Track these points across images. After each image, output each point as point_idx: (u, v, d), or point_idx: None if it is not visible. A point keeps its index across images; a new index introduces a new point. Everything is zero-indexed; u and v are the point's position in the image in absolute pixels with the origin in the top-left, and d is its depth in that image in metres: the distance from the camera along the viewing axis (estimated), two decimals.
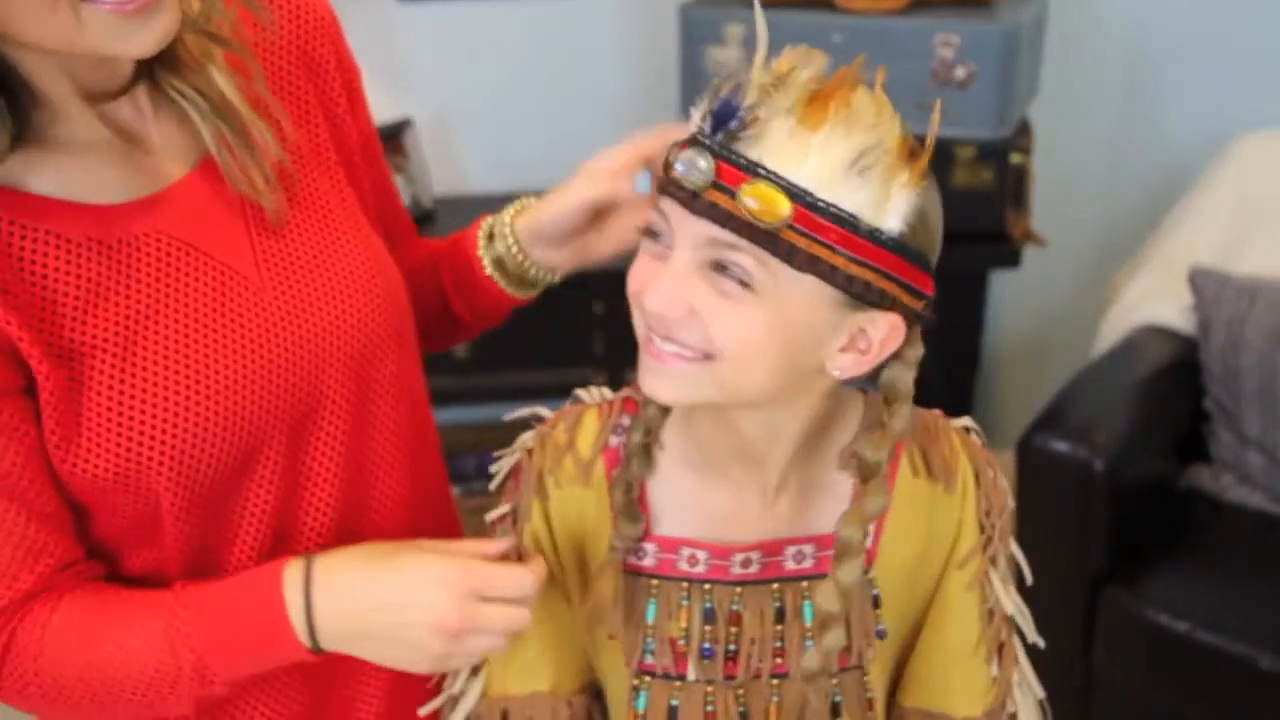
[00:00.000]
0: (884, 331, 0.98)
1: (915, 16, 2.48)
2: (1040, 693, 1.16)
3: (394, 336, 1.19)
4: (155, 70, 1.07)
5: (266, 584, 1.03)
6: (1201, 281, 2.46)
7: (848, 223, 0.92)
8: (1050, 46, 2.72)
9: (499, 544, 1.09)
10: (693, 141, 0.94)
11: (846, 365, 1.00)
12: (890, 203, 0.93)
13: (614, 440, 1.11)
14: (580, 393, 1.17)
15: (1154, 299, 2.56)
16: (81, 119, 1.04)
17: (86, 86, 1.03)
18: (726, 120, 0.92)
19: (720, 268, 0.94)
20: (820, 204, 0.91)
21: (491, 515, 1.14)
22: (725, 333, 0.95)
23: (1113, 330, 2.59)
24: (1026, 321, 3.11)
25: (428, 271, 1.35)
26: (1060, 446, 2.23)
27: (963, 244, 2.51)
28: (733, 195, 0.91)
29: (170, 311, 1.05)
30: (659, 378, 0.99)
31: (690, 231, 0.94)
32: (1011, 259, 2.63)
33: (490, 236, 1.30)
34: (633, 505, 1.09)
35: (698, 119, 0.95)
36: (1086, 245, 3.03)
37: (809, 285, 0.93)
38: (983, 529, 1.11)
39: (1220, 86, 2.91)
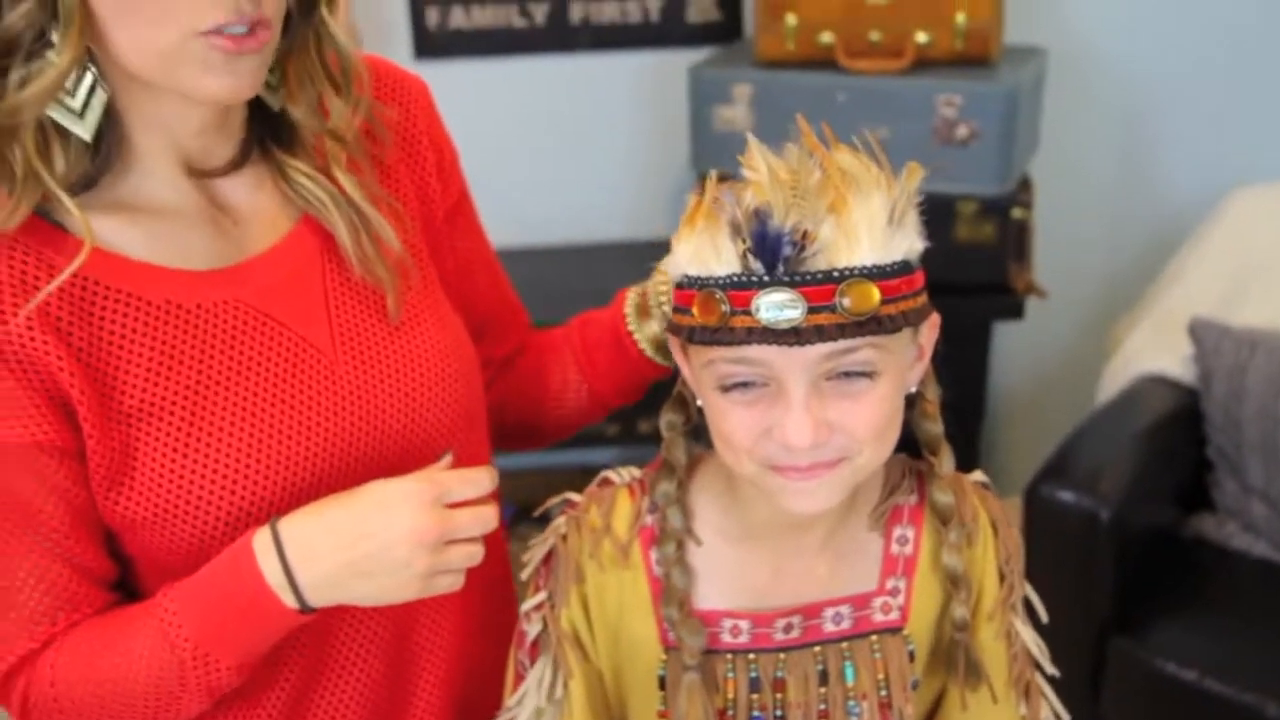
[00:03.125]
0: (930, 333, 1.02)
1: (918, 77, 2.47)
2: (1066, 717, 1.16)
3: (463, 416, 1.17)
4: (274, 154, 1.08)
5: (240, 559, 1.00)
6: (1202, 332, 2.42)
7: (909, 265, 0.95)
8: (1049, 103, 2.71)
9: (446, 459, 1.07)
10: (754, 286, 0.91)
11: (914, 378, 1.03)
12: (914, 226, 0.96)
13: (648, 519, 1.09)
14: (609, 474, 1.14)
15: (1155, 349, 2.52)
16: (175, 183, 1.05)
17: (192, 156, 1.05)
18: (779, 250, 0.90)
19: (840, 375, 0.93)
20: (890, 269, 0.92)
21: (527, 605, 1.11)
22: (865, 428, 0.95)
23: (1114, 380, 2.55)
24: (1030, 371, 3.09)
25: (561, 363, 1.32)
26: (1066, 496, 2.19)
27: (967, 296, 2.53)
28: (831, 309, 0.90)
29: (240, 379, 1.05)
30: (810, 496, 0.98)
31: (799, 363, 0.92)
32: (1014, 311, 2.61)
33: (638, 312, 1.26)
34: (690, 619, 1.06)
35: (736, 264, 0.92)
36: (1087, 296, 3.01)
37: (905, 335, 0.96)
38: (1003, 577, 1.11)
39: (1216, 141, 2.90)
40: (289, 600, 0.99)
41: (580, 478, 3.31)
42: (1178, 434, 2.41)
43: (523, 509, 2.88)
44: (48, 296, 0.97)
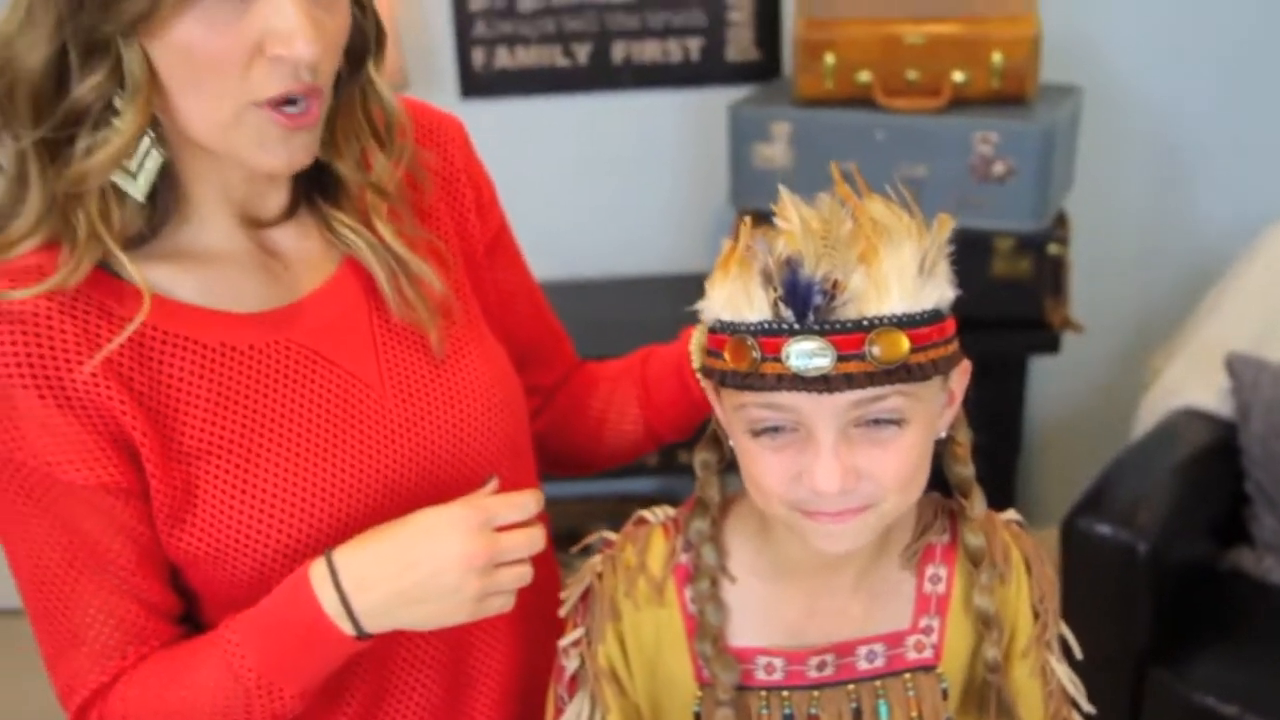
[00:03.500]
0: (961, 378, 1.01)
1: (955, 115, 2.46)
2: None
3: (508, 445, 1.18)
4: (320, 205, 1.11)
5: (298, 590, 1.01)
6: (1239, 367, 2.40)
7: (939, 314, 0.94)
8: (1085, 140, 2.69)
9: (492, 484, 1.09)
10: (785, 333, 0.91)
11: (945, 423, 1.02)
12: (945, 276, 0.96)
13: (683, 558, 1.09)
14: (644, 513, 1.14)
15: (1191, 383, 2.50)
16: (228, 232, 1.07)
17: (246, 207, 1.08)
18: (809, 300, 0.90)
19: (869, 422, 0.93)
20: (920, 317, 0.92)
21: (564, 641, 1.12)
22: (893, 475, 0.95)
23: (1151, 413, 2.52)
24: (1065, 404, 3.07)
25: (620, 394, 1.33)
26: (1104, 529, 2.17)
27: (1003, 331, 2.51)
28: (860, 358, 0.90)
29: (293, 415, 1.06)
30: (839, 538, 0.98)
31: (828, 410, 0.92)
32: (1051, 345, 2.59)
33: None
34: (724, 655, 1.06)
35: (768, 312, 0.92)
36: (1123, 331, 2.99)
37: (935, 383, 0.96)
38: (1037, 615, 1.10)
39: (1250, 177, 2.88)
40: (346, 628, 1.00)
41: (620, 506, 3.32)
42: (1215, 468, 2.38)
43: (564, 537, 2.89)
44: (109, 341, 0.98)
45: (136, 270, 0.99)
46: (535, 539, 1.04)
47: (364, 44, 1.05)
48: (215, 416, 1.03)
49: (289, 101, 0.96)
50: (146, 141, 0.98)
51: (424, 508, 1.04)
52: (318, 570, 1.01)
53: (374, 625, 1.01)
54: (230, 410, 1.04)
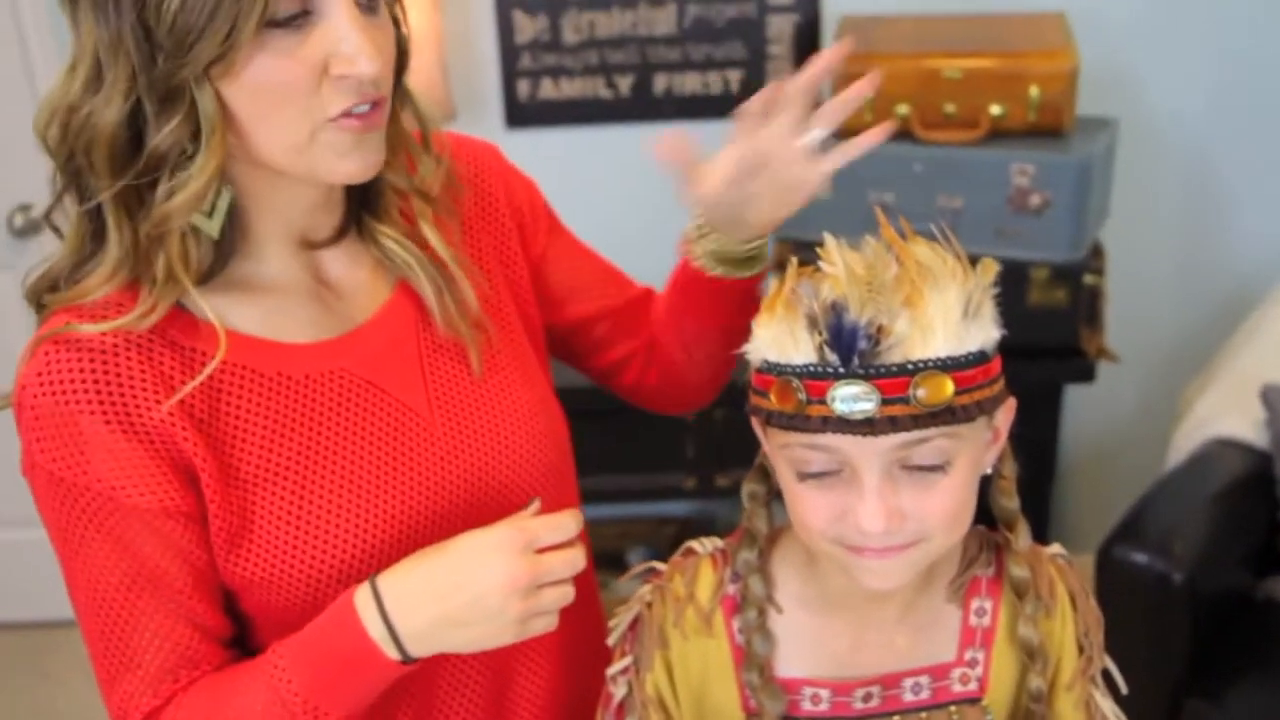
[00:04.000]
0: (1006, 416, 1.00)
1: (992, 147, 2.44)
2: None
3: (551, 472, 1.18)
4: (366, 222, 1.12)
5: (344, 615, 1.01)
6: (1274, 398, 2.36)
7: (984, 355, 0.94)
8: (1120, 172, 2.67)
9: (533, 506, 1.07)
10: (829, 377, 0.91)
11: (990, 459, 1.01)
12: (989, 318, 0.95)
13: (730, 589, 1.08)
14: (692, 544, 1.13)
15: (1225, 413, 2.47)
16: (286, 263, 1.09)
17: (304, 232, 1.09)
18: (854, 344, 0.89)
19: (915, 461, 0.92)
20: (964, 359, 0.92)
21: (613, 669, 1.11)
22: (938, 516, 0.95)
23: (1185, 442, 2.49)
24: (1100, 432, 3.04)
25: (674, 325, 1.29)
26: (1140, 558, 2.14)
27: (1039, 359, 2.49)
28: (905, 401, 0.89)
29: (346, 444, 1.07)
30: (884, 574, 0.97)
31: (873, 451, 0.91)
32: (1086, 374, 2.57)
33: (696, 242, 1.21)
34: (770, 685, 1.05)
35: (814, 355, 0.91)
36: (1157, 360, 2.97)
37: (980, 422, 0.95)
38: (1081, 649, 1.09)
39: None
40: (391, 652, 1.00)
41: (657, 528, 3.31)
42: (1250, 498, 2.35)
43: (601, 558, 2.89)
44: (173, 372, 1.01)
45: (211, 309, 1.01)
46: (576, 559, 1.03)
47: (403, 55, 1.07)
48: (272, 444, 1.05)
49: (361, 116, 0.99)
50: (217, 184, 1.00)
51: (468, 529, 1.04)
52: (362, 596, 1.01)
53: (419, 649, 1.01)
54: (286, 438, 1.05)
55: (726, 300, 1.22)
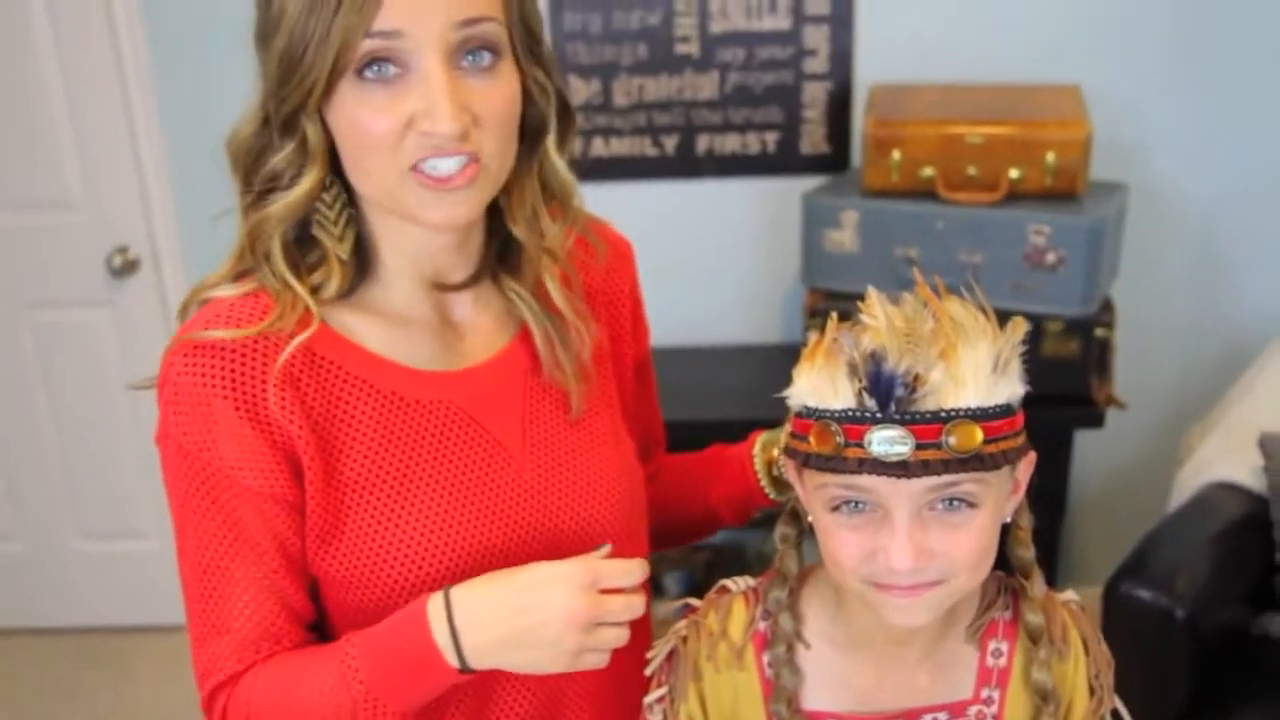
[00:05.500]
0: (1026, 468, 1.00)
1: (1010, 208, 2.43)
2: None
3: (626, 531, 1.18)
4: (499, 274, 1.14)
5: (415, 619, 1.02)
6: (1271, 446, 2.33)
7: (1010, 409, 0.93)
8: (1130, 233, 2.66)
9: (604, 549, 1.07)
10: (867, 421, 0.90)
11: (1010, 508, 1.00)
12: (1016, 374, 0.94)
13: (761, 625, 1.07)
14: (726, 582, 1.12)
15: (1225, 459, 2.43)
16: (414, 296, 1.11)
17: (436, 274, 1.11)
18: (892, 392, 0.89)
19: (943, 503, 0.92)
20: (993, 411, 0.91)
21: (649, 698, 1.10)
22: (964, 556, 0.94)
23: (1186, 486, 2.46)
24: (1107, 475, 3.02)
25: (685, 480, 1.35)
26: (1144, 594, 2.11)
27: (1051, 406, 2.46)
28: (938, 446, 0.89)
29: (441, 469, 1.09)
30: (910, 612, 0.96)
31: (905, 493, 0.91)
32: (1095, 420, 2.55)
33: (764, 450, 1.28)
34: (797, 716, 1.04)
35: (852, 400, 0.91)
36: (1162, 409, 2.94)
37: (1004, 471, 0.95)
38: (1093, 691, 1.07)
39: None
40: (452, 660, 1.00)
41: (690, 555, 3.28)
42: (1248, 539, 2.31)
43: None
44: (299, 372, 1.04)
45: (315, 303, 1.05)
46: (636, 605, 1.02)
47: (541, 123, 1.09)
48: (375, 455, 1.06)
49: (445, 172, 1.00)
50: (347, 212, 1.06)
51: (539, 560, 1.04)
52: (435, 604, 1.01)
53: (477, 662, 1.01)
54: (389, 453, 1.07)
55: (747, 508, 1.30)
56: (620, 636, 1.02)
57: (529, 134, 1.08)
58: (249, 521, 1.04)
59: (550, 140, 1.11)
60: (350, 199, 1.07)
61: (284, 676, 1.05)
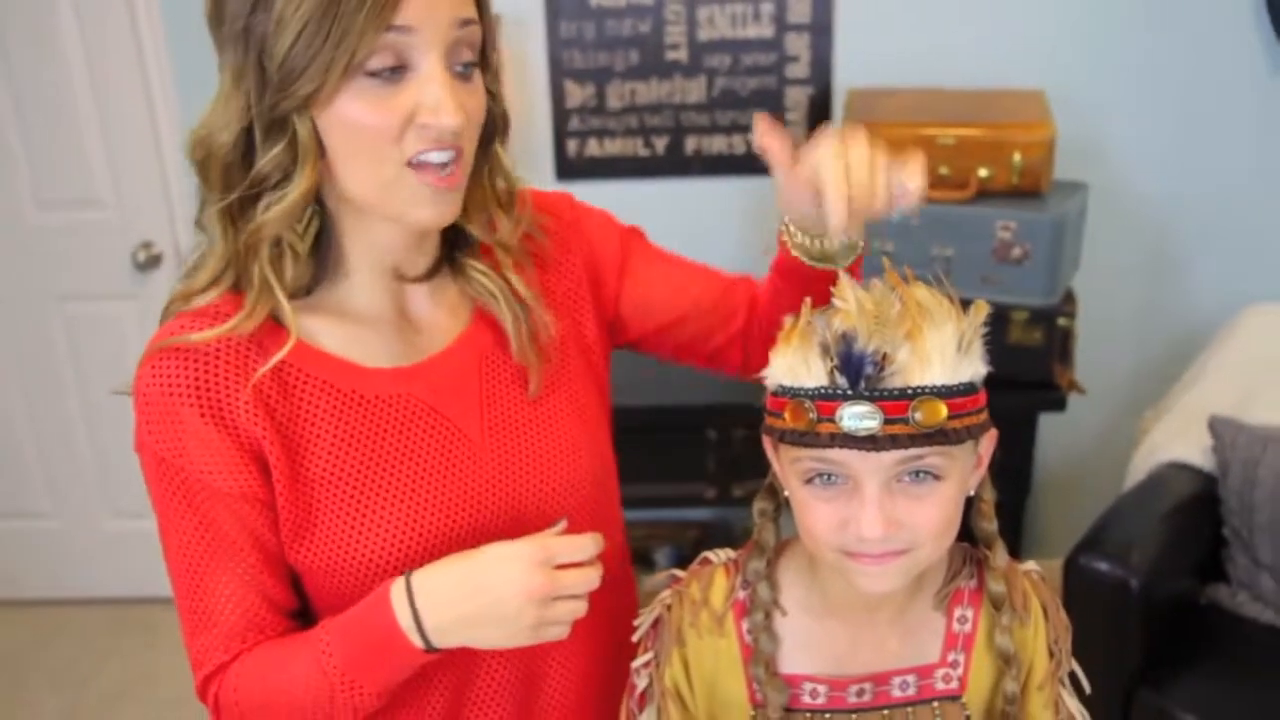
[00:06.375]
0: (988, 444, 1.00)
1: (979, 206, 2.45)
2: None
3: (590, 505, 1.16)
4: (458, 258, 1.11)
5: (380, 605, 1.01)
6: (1220, 428, 2.37)
7: (974, 387, 0.94)
8: (1091, 228, 2.68)
9: (560, 525, 1.05)
10: (839, 398, 0.91)
11: (973, 483, 1.01)
12: (979, 355, 0.95)
13: (741, 594, 1.07)
14: (709, 554, 1.13)
15: (1178, 440, 2.47)
16: (374, 294, 1.08)
17: (396, 268, 1.08)
18: (861, 370, 0.90)
19: (910, 476, 0.92)
20: (957, 389, 0.92)
21: (636, 662, 1.11)
22: (929, 525, 0.95)
23: (1142, 465, 2.50)
24: (1069, 455, 3.04)
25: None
26: (1101, 566, 2.15)
27: (1017, 391, 2.50)
28: (905, 421, 0.89)
29: (403, 460, 1.07)
30: (879, 579, 0.97)
31: (874, 465, 0.92)
32: (1058, 404, 2.57)
33: (788, 236, 1.14)
34: (774, 679, 1.05)
35: (824, 379, 0.91)
36: (1119, 393, 2.96)
37: (968, 446, 0.95)
38: (1052, 654, 1.08)
39: (1232, 265, 2.86)
40: (416, 640, 1.00)
41: (680, 530, 3.29)
42: (1198, 514, 2.36)
43: (631, 557, 2.90)
44: (263, 377, 1.02)
45: (293, 316, 1.02)
46: (591, 578, 1.01)
47: (492, 128, 1.08)
48: (338, 452, 1.04)
49: (440, 165, 0.98)
50: (311, 208, 1.01)
51: (500, 539, 1.03)
52: (397, 589, 1.01)
53: (440, 641, 1.00)
54: (351, 449, 1.05)
55: (824, 284, 1.12)
56: (577, 609, 1.01)
57: (485, 137, 1.07)
58: (225, 522, 1.03)
59: (497, 144, 1.10)
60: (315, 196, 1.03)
61: (267, 664, 1.05)
